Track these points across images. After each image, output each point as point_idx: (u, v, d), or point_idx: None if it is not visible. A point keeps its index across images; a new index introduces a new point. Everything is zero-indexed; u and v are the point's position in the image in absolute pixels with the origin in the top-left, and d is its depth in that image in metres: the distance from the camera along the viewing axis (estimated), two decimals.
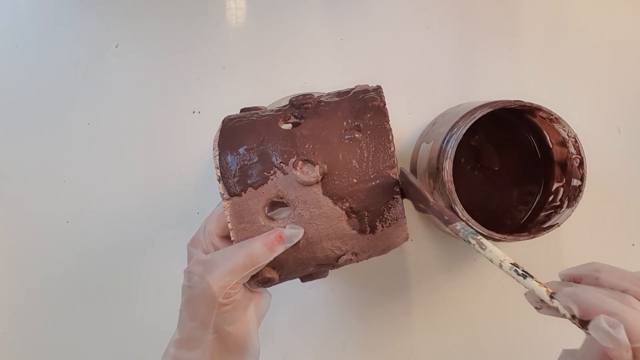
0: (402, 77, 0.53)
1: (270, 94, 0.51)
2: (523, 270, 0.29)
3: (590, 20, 0.54)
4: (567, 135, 0.43)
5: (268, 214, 0.34)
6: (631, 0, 0.55)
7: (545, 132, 0.46)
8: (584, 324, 0.27)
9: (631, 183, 0.53)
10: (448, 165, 0.41)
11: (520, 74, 0.54)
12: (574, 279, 0.30)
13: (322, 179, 0.33)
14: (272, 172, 0.33)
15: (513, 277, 0.29)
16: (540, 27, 0.54)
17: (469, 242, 0.31)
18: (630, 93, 0.54)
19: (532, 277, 0.28)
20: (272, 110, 0.37)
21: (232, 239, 0.33)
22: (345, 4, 0.53)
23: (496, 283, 0.52)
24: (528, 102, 0.42)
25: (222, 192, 0.33)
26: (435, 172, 0.43)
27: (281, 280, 0.36)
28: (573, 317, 0.27)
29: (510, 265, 0.29)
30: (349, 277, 0.52)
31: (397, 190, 0.34)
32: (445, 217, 0.32)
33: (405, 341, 0.52)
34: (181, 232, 0.51)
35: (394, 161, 0.34)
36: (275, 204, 0.34)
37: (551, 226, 0.43)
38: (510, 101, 0.41)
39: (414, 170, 0.50)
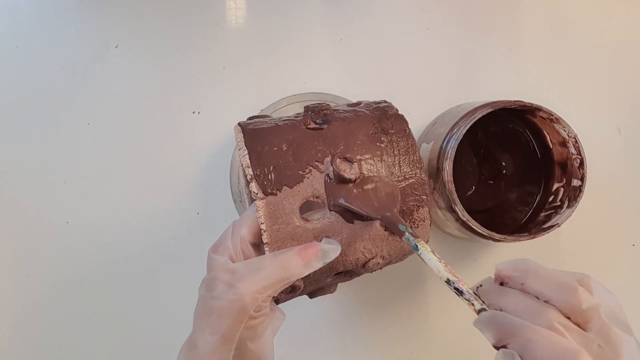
0: (402, 77, 0.53)
1: (270, 94, 0.51)
2: (455, 288, 0.29)
3: (590, 20, 0.54)
4: (567, 135, 0.43)
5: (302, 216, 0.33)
6: (631, 0, 0.55)
7: (545, 132, 0.46)
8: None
9: (631, 183, 0.53)
10: (448, 166, 0.41)
11: (520, 74, 0.54)
12: (502, 280, 0.29)
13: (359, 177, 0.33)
14: (307, 170, 0.33)
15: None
16: (540, 27, 0.54)
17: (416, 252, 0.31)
18: (630, 93, 0.54)
19: (462, 294, 0.29)
20: (287, 116, 0.37)
21: (265, 240, 0.32)
22: (345, 4, 0.53)
23: None
24: (528, 102, 0.42)
25: (256, 192, 0.32)
26: (435, 172, 0.43)
27: (304, 289, 0.35)
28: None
29: (445, 282, 0.29)
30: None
31: (425, 190, 0.35)
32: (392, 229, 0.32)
33: (405, 342, 0.51)
34: (181, 233, 0.51)
35: (422, 162, 0.36)
36: (307, 205, 0.34)
37: (551, 226, 0.42)
38: (510, 101, 0.41)
39: None
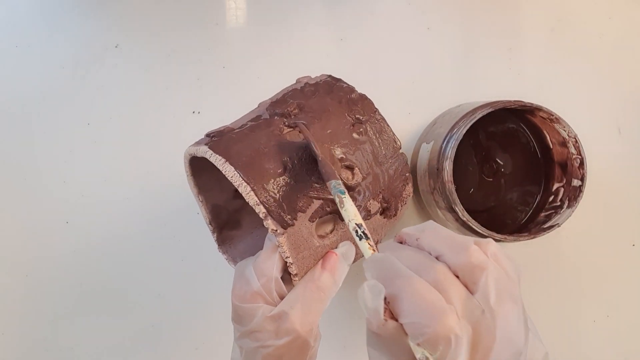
0: (403, 77, 0.53)
1: (270, 94, 0.51)
2: (363, 232, 0.27)
3: (590, 20, 0.54)
4: (568, 135, 0.43)
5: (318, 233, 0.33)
6: (631, 0, 0.55)
7: (545, 132, 0.46)
8: None
9: (631, 183, 0.53)
10: (448, 166, 0.41)
11: (520, 74, 0.54)
12: (401, 239, 0.28)
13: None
14: (313, 190, 0.32)
15: (354, 237, 0.27)
16: (540, 27, 0.54)
17: (335, 199, 0.29)
18: (630, 93, 0.54)
19: (368, 239, 0.27)
20: (252, 122, 0.35)
21: (294, 272, 0.31)
22: (345, 5, 0.53)
23: None
24: (528, 102, 0.42)
25: (275, 228, 0.30)
26: (435, 172, 0.43)
27: None
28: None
29: (355, 225, 0.27)
30: (349, 276, 0.51)
31: (407, 166, 0.35)
32: (325, 173, 0.30)
33: None
34: (181, 232, 0.51)
35: (398, 140, 0.36)
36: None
37: (551, 226, 0.42)
38: (510, 101, 0.41)
39: (414, 171, 0.50)
